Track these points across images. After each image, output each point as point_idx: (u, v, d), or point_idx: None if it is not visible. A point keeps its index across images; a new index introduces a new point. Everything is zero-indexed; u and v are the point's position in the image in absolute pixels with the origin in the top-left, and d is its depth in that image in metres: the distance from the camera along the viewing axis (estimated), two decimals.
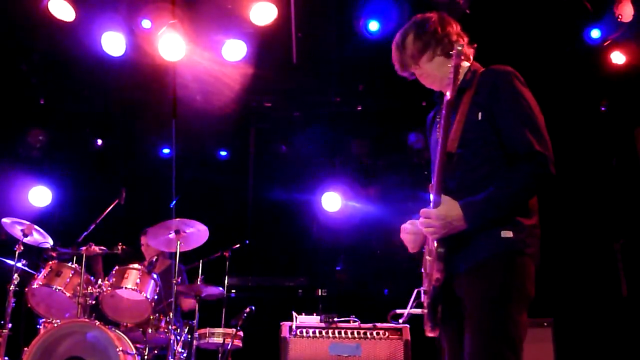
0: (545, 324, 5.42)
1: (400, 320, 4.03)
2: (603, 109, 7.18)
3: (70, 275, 5.31)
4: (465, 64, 2.84)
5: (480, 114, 2.67)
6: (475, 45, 2.92)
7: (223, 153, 8.45)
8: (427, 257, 2.78)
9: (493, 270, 2.56)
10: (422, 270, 2.87)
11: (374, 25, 6.61)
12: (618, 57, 6.66)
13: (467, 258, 2.61)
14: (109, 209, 5.92)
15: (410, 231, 2.86)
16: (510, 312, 2.52)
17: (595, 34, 6.53)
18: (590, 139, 7.05)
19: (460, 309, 2.63)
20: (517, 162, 2.60)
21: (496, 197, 2.56)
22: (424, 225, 2.64)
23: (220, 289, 5.78)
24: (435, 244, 2.63)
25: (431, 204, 2.64)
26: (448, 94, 2.59)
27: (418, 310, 3.46)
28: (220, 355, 5.74)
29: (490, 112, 2.66)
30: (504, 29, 6.31)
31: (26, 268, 5.48)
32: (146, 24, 6.49)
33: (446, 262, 2.61)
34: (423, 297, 2.84)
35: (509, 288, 2.54)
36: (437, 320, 2.71)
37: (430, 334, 2.80)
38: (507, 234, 2.57)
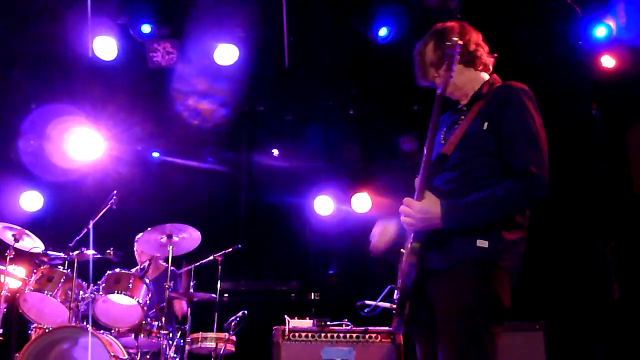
0: (537, 327, 5.42)
1: (366, 310, 4.04)
2: (594, 112, 7.20)
3: (62, 280, 5.29)
4: (485, 76, 2.90)
5: (486, 124, 2.69)
6: (496, 55, 2.95)
7: (215, 157, 8.43)
8: (402, 251, 2.80)
9: (465, 277, 2.57)
10: (399, 266, 2.88)
11: (382, 31, 6.59)
12: (608, 61, 6.70)
13: (440, 259, 2.63)
14: (101, 213, 5.90)
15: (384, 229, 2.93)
16: (482, 320, 2.53)
17: (600, 32, 6.46)
18: (581, 142, 7.07)
19: (429, 310, 2.64)
20: (510, 177, 2.60)
21: (478, 206, 2.57)
22: (403, 214, 2.66)
23: (212, 295, 5.77)
24: (411, 238, 2.65)
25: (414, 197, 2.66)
26: (439, 89, 2.66)
27: (387, 304, 3.48)
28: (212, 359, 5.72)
29: (497, 125, 2.67)
30: (495, 33, 6.33)
31: (17, 273, 5.45)
32: (146, 28, 6.52)
33: (420, 258, 2.62)
34: (396, 293, 2.85)
35: (481, 296, 2.54)
36: (405, 316, 2.71)
37: (395, 330, 2.80)
38: (483, 243, 2.57)
